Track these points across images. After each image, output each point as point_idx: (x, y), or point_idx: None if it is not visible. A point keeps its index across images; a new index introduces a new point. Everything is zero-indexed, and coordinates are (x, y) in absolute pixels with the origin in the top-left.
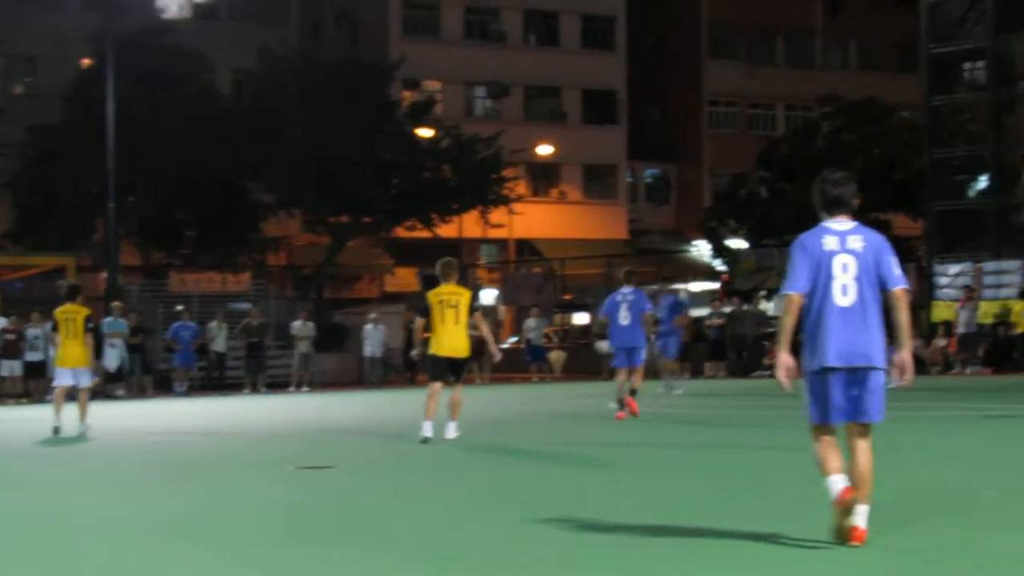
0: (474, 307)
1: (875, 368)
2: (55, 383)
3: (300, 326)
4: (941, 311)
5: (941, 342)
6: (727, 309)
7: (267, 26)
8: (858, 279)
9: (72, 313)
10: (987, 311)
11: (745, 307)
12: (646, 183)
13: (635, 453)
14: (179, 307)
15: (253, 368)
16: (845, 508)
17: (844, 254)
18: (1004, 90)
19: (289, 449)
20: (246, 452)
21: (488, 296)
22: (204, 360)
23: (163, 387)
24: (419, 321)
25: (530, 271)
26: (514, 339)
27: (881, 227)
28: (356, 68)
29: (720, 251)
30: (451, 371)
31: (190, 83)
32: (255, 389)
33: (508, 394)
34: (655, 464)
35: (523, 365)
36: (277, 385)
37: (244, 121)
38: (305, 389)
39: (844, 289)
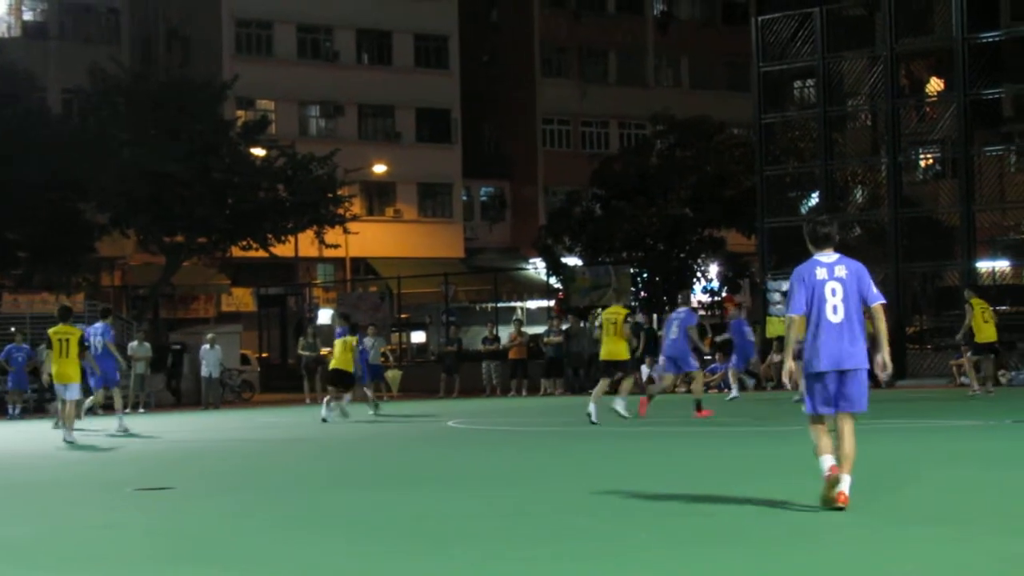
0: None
1: (860, 368)
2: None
3: (136, 347)
4: (775, 327)
5: (776, 358)
6: (564, 326)
7: (98, 45)
8: (844, 300)
9: (65, 333)
10: None
11: (582, 324)
12: (481, 201)
13: (467, 469)
14: (12, 329)
15: (84, 388)
16: (832, 482)
17: (832, 281)
18: (834, 108)
19: (127, 470)
20: (85, 474)
21: (324, 316)
22: (37, 383)
23: None
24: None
25: (366, 290)
26: None
27: (714, 244)
28: (188, 87)
29: (555, 269)
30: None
31: (19, 102)
32: (88, 410)
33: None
34: (491, 480)
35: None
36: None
37: (75, 140)
38: (141, 410)
39: (835, 309)
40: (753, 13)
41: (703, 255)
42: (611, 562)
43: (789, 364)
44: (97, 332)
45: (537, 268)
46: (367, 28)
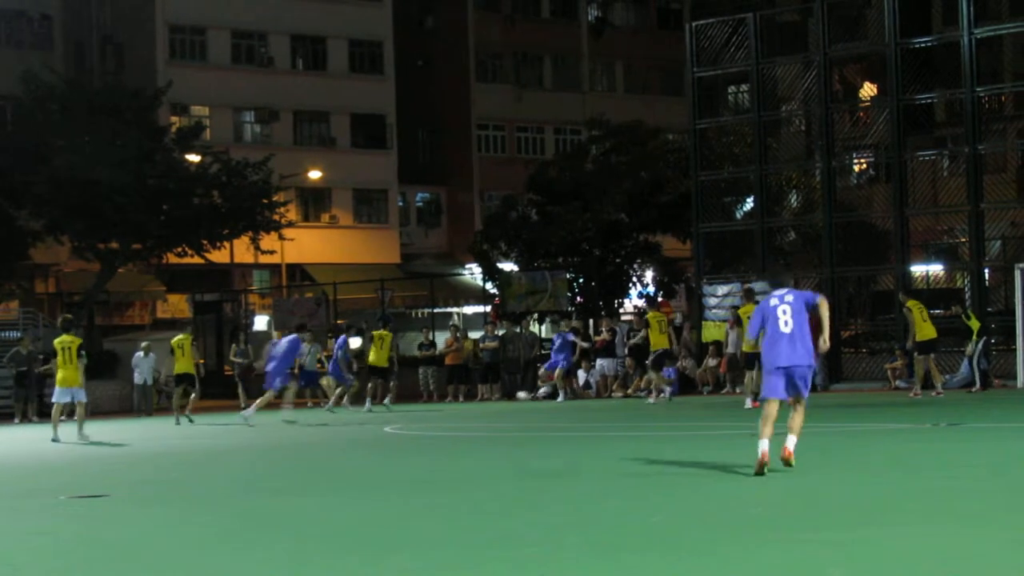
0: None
1: (808, 365)
2: (54, 400)
3: None
4: (711, 332)
5: (712, 362)
6: (500, 332)
7: (31, 51)
8: (793, 316)
9: (68, 343)
10: None
11: (517, 330)
12: (417, 207)
13: (403, 475)
14: None
15: (23, 396)
16: (761, 466)
17: (782, 305)
18: (768, 113)
19: (61, 478)
20: (17, 481)
21: (260, 322)
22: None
23: None
24: None
25: (302, 296)
26: None
27: (649, 249)
28: (122, 93)
29: (491, 274)
30: None
31: None
32: (25, 418)
33: (281, 419)
34: (427, 485)
35: (297, 390)
36: (48, 414)
37: (8, 147)
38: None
39: (785, 323)
40: (687, 19)
41: (639, 260)
42: (551, 567)
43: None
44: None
45: (473, 273)
46: (302, 34)
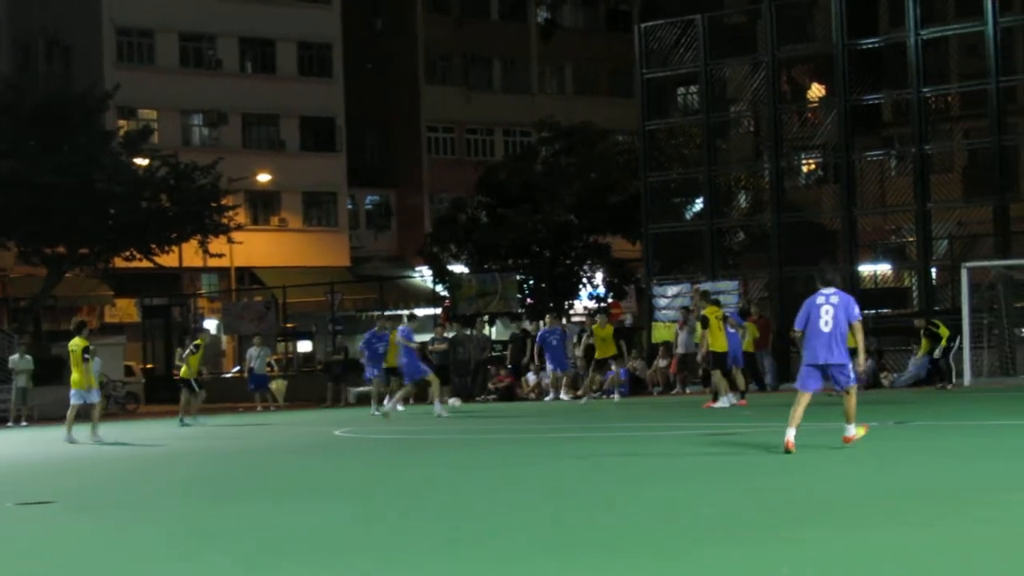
0: None
1: (842, 364)
2: (72, 402)
3: (17, 360)
4: (661, 332)
5: (662, 363)
6: (450, 334)
7: None
8: (834, 316)
9: (74, 346)
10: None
11: (468, 332)
12: (367, 209)
13: (353, 479)
14: None
15: None
16: (786, 451)
17: (827, 304)
18: (717, 114)
19: (8, 484)
20: None
21: (210, 326)
22: None
23: None
24: None
25: (252, 300)
26: (236, 368)
27: (599, 250)
28: (68, 96)
29: (442, 276)
30: None
31: None
32: None
33: (231, 424)
34: (377, 490)
35: (247, 394)
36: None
37: None
38: (24, 424)
39: (826, 323)
40: (636, 20)
41: (589, 262)
42: (502, 570)
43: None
44: None
45: (423, 276)
46: (250, 36)
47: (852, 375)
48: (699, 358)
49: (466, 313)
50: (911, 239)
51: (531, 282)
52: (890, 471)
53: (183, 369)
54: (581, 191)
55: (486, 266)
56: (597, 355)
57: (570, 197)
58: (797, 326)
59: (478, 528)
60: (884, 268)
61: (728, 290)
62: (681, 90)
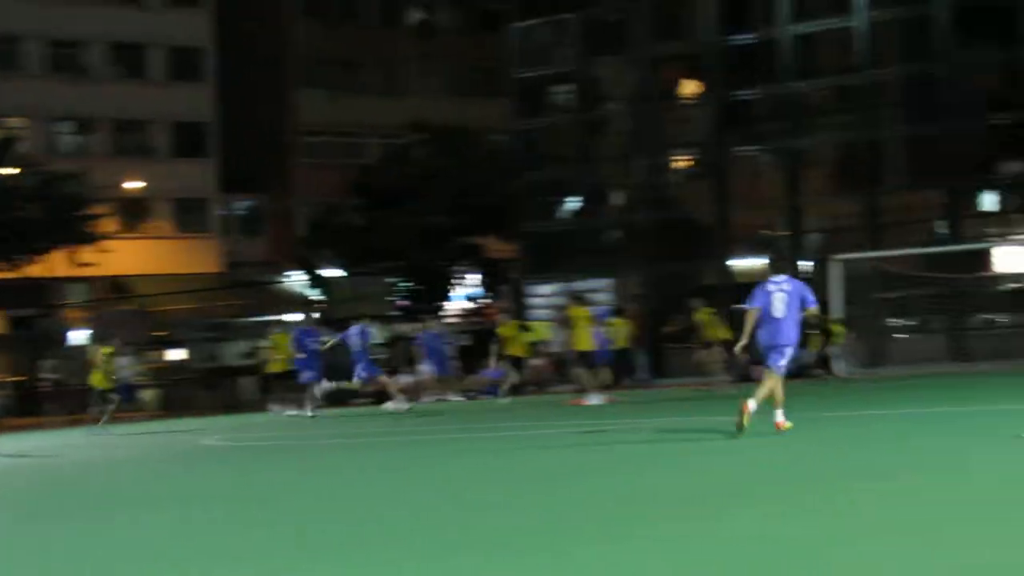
0: None
1: (787, 345)
2: None
3: None
4: (537, 331)
5: (537, 362)
6: (325, 339)
7: None
8: (787, 304)
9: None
10: None
11: (342, 336)
12: (239, 215)
13: (224, 487)
14: None
15: None
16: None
17: (779, 292)
18: (590, 113)
19: None
20: None
21: (78, 336)
22: None
23: None
24: None
25: (123, 308)
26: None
27: (472, 251)
28: None
29: (316, 280)
30: None
31: None
32: None
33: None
34: (249, 497)
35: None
36: None
37: None
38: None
39: (779, 309)
40: (510, 20)
41: (463, 262)
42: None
43: (743, 343)
44: None
45: (297, 280)
46: (119, 42)
47: (783, 362)
48: (567, 357)
49: (341, 317)
50: (783, 233)
51: (405, 284)
52: (759, 462)
53: (96, 378)
54: (454, 192)
55: (360, 269)
56: (511, 352)
57: (444, 198)
58: (755, 304)
59: (356, 532)
60: (757, 262)
61: (602, 288)
62: (555, 89)
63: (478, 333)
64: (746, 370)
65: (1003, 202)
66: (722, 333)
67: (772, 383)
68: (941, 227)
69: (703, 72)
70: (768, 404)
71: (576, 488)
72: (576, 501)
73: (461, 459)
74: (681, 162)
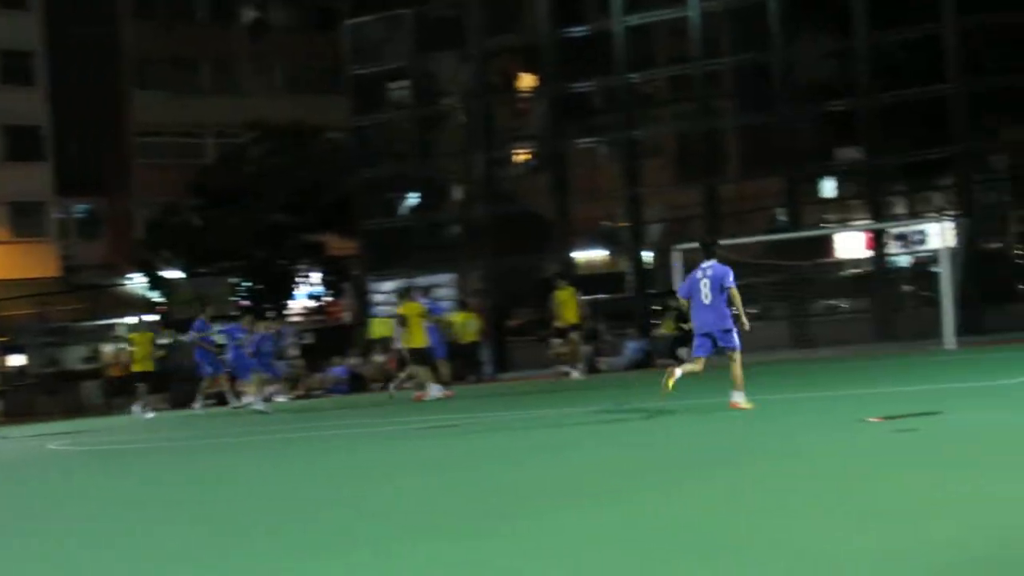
0: None
1: (721, 329)
2: None
3: None
4: (378, 328)
5: (380, 358)
6: (166, 340)
7: None
8: (711, 288)
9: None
10: None
11: (184, 337)
12: (77, 218)
13: (65, 492)
14: None
15: None
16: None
17: (704, 279)
18: (428, 108)
19: None
20: None
21: None
22: None
23: None
24: None
25: None
26: None
27: (313, 249)
28: None
29: (156, 282)
30: None
31: None
32: None
33: None
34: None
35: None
36: None
37: None
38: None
39: (705, 295)
40: (344, 17)
41: (304, 261)
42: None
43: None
44: None
45: (137, 283)
46: None
47: (735, 340)
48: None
49: (182, 318)
50: (624, 224)
51: (247, 284)
52: (604, 453)
53: None
54: (294, 190)
55: (200, 270)
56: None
57: (283, 197)
58: (680, 294)
59: (205, 533)
60: (599, 254)
61: (444, 283)
62: (391, 85)
63: (321, 332)
64: (594, 361)
65: (841, 189)
66: (576, 318)
67: (738, 366)
68: (781, 215)
69: (539, 65)
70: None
71: (413, 484)
72: (414, 498)
73: (295, 458)
74: (520, 156)
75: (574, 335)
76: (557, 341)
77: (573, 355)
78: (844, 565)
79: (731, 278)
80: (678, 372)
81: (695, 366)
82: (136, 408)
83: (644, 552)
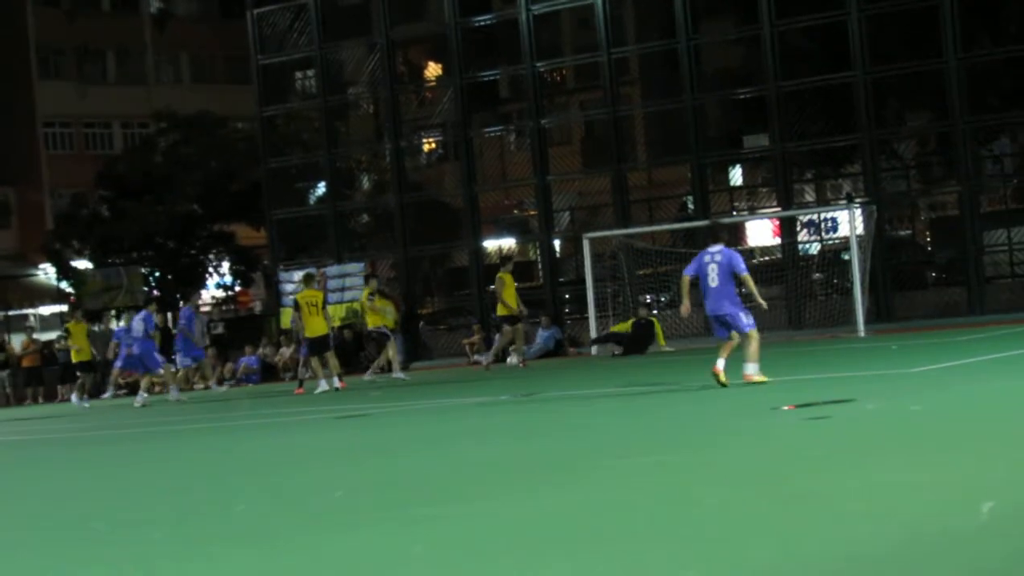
0: None
1: (727, 313)
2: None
3: None
4: (288, 319)
5: (286, 352)
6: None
7: None
8: (719, 274)
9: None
10: (335, 314)
11: (95, 328)
12: None
13: None
14: None
15: None
16: (716, 374)
17: (712, 263)
18: (334, 97)
19: None
20: None
21: None
22: None
23: None
24: None
25: None
26: None
27: (223, 239)
28: None
29: (65, 273)
30: None
31: None
32: None
33: None
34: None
35: None
36: None
37: None
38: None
39: (712, 279)
40: (249, 6)
41: (214, 251)
42: (137, 564)
43: (685, 306)
44: None
45: (47, 273)
46: None
47: (747, 321)
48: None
49: (93, 308)
50: (533, 212)
51: (157, 274)
52: (514, 444)
53: None
54: (203, 180)
55: (110, 260)
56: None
57: (192, 187)
58: (686, 272)
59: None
60: (509, 242)
61: (355, 272)
62: (298, 75)
63: (231, 322)
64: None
65: (750, 176)
66: (515, 305)
67: (755, 342)
68: (691, 202)
69: (445, 53)
70: (736, 360)
71: (322, 474)
72: (317, 488)
73: (212, 451)
74: (428, 144)
75: (509, 327)
76: (508, 328)
77: (513, 343)
78: (749, 551)
79: (742, 264)
80: (720, 363)
81: (725, 348)
82: (74, 398)
83: (507, 549)
